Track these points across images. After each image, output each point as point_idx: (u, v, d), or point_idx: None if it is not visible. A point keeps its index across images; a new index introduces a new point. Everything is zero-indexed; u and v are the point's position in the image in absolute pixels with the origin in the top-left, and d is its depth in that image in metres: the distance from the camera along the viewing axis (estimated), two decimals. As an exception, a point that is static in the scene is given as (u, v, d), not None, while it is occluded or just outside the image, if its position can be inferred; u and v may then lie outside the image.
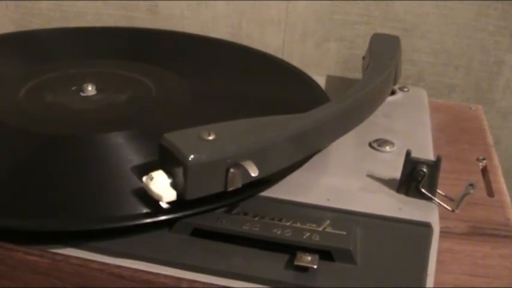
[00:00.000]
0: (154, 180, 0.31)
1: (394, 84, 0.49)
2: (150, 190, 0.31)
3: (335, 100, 0.39)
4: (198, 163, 0.30)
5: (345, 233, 0.31)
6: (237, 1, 0.67)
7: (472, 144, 0.47)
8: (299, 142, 0.35)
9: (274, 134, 0.34)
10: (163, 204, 0.31)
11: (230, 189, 0.32)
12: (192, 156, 0.30)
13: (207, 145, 0.31)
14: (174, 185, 0.31)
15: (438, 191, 0.35)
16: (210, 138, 0.32)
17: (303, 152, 0.36)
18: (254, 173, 0.31)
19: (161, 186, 0.31)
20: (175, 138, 0.31)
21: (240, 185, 0.32)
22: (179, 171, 0.31)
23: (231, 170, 0.31)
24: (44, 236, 0.31)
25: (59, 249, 0.31)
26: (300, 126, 0.35)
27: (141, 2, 0.69)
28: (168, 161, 0.31)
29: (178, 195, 0.31)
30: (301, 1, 0.66)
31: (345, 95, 0.40)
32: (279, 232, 0.31)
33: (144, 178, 0.32)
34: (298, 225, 0.32)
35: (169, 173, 0.31)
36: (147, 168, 0.32)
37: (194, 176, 0.30)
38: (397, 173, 0.36)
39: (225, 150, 0.31)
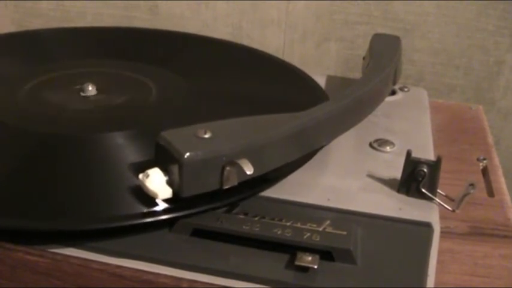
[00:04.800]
0: (150, 177, 0.31)
1: (394, 84, 0.49)
2: (146, 187, 0.31)
3: (332, 99, 0.39)
4: (193, 161, 0.30)
5: (345, 233, 0.31)
6: (237, 1, 0.67)
7: (472, 144, 0.47)
8: (295, 141, 0.35)
9: (271, 133, 0.34)
10: (159, 202, 0.31)
11: (226, 187, 0.32)
12: (187, 154, 0.30)
13: (203, 143, 0.31)
14: (170, 183, 0.31)
15: (438, 191, 0.35)
16: (206, 136, 0.32)
17: (299, 151, 0.36)
18: (249, 171, 0.31)
19: (157, 183, 0.31)
20: (172, 136, 0.31)
21: (236, 183, 0.32)
22: (175, 168, 0.31)
23: (227, 168, 0.31)
24: (44, 236, 0.31)
25: (59, 249, 0.31)
26: (296, 125, 0.35)
27: (141, 2, 0.69)
28: (164, 159, 0.31)
29: (174, 192, 0.31)
30: (301, 1, 0.66)
31: (343, 94, 0.40)
32: (279, 232, 0.31)
33: (140, 175, 0.32)
34: (299, 225, 0.32)
35: (166, 171, 0.31)
36: (144, 167, 0.32)
37: (190, 173, 0.30)
38: (397, 173, 0.36)
39: (221, 148, 0.31)
